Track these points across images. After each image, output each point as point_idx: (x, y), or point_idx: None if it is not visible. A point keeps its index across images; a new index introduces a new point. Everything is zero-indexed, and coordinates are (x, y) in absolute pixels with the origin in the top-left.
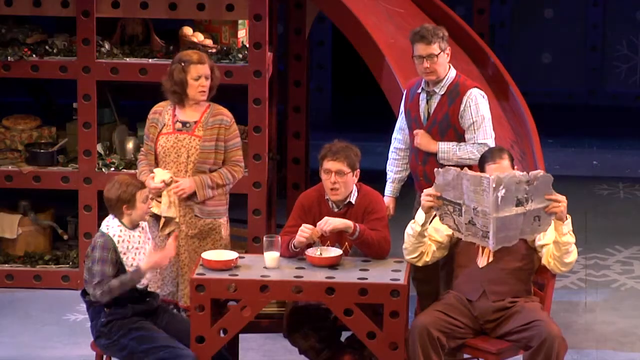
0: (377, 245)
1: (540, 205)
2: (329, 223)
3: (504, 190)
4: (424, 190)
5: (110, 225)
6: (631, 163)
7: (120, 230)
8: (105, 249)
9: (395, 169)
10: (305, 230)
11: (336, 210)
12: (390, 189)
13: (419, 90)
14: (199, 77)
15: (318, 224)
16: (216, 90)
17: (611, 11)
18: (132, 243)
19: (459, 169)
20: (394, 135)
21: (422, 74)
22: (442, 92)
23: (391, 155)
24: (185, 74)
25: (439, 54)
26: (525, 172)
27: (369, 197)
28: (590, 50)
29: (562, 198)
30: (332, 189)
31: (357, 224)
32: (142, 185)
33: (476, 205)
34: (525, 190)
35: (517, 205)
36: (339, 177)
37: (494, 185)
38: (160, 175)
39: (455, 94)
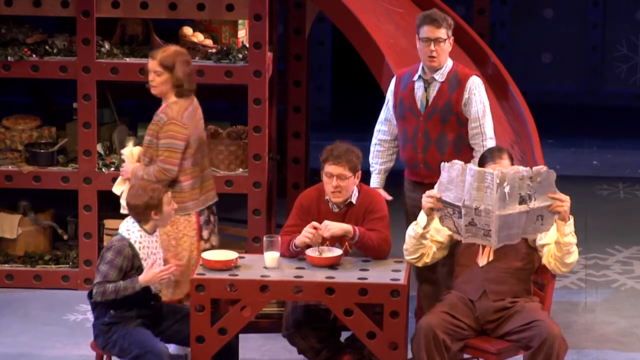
0: (377, 247)
1: (543, 204)
2: (328, 229)
3: (507, 187)
4: (426, 192)
5: (131, 230)
6: (631, 163)
7: (141, 236)
8: (119, 255)
9: (380, 161)
10: (309, 231)
11: (336, 210)
12: (377, 180)
13: (415, 79)
14: (148, 71)
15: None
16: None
17: (611, 11)
18: (151, 249)
19: (464, 164)
20: (377, 128)
21: (425, 58)
22: (442, 80)
23: (375, 147)
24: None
25: (446, 40)
26: (528, 168)
27: (370, 196)
28: (590, 50)
29: (566, 198)
30: (333, 192)
31: (356, 228)
32: (165, 188)
33: (478, 204)
34: (528, 187)
35: (520, 203)
36: (340, 181)
37: (497, 182)
38: (129, 148)
39: (456, 82)
